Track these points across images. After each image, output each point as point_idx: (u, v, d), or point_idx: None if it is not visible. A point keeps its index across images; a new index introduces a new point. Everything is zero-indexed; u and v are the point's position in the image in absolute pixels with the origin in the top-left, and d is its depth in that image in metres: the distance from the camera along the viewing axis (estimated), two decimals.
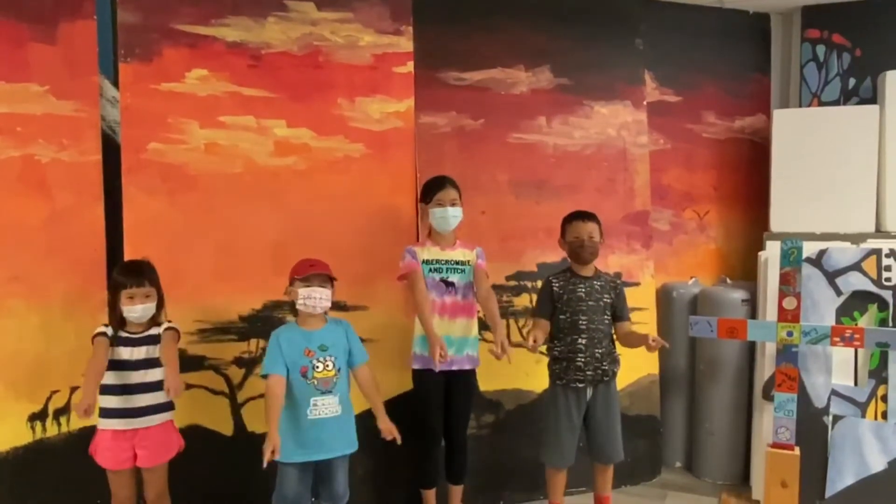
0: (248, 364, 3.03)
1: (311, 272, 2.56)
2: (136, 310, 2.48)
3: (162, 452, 2.54)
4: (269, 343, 2.59)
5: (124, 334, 2.52)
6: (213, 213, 3.02)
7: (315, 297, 2.55)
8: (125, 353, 2.50)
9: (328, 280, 2.60)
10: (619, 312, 3.00)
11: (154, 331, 2.56)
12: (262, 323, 3.03)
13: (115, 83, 2.96)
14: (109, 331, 2.51)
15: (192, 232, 2.99)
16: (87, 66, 2.88)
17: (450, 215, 2.92)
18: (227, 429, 3.01)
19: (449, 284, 2.94)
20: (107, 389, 2.49)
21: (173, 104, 2.98)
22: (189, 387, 2.92)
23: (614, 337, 3.01)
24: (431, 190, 2.96)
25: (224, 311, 3.01)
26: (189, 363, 2.93)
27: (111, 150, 2.93)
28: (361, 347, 2.71)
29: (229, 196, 3.04)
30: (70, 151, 2.84)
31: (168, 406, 2.58)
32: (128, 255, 2.84)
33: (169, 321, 2.61)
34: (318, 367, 2.55)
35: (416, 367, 2.97)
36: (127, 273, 2.54)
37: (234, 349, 3.01)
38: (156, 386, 2.52)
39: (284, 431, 2.56)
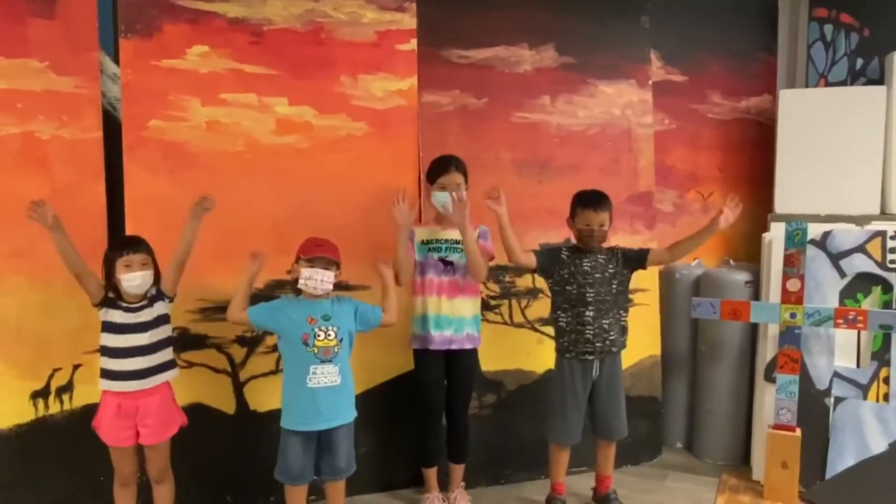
0: (251, 343, 3.03)
1: (317, 254, 2.55)
2: (135, 277, 2.46)
3: (164, 429, 2.55)
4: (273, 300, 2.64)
5: (122, 304, 2.50)
6: (215, 191, 2.96)
7: (316, 279, 2.54)
8: (120, 316, 2.48)
9: (333, 263, 2.59)
10: (640, 257, 2.98)
11: (154, 300, 2.55)
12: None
13: (116, 59, 2.93)
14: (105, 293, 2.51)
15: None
16: (87, 41, 2.85)
17: (450, 201, 2.89)
18: (229, 407, 3.02)
19: (447, 264, 2.93)
20: (105, 351, 2.49)
21: (174, 81, 2.95)
22: (191, 365, 2.93)
23: (627, 306, 3.02)
24: (436, 172, 2.93)
25: (226, 289, 2.97)
26: (191, 342, 2.94)
27: (112, 127, 2.91)
28: (373, 307, 2.74)
29: (231, 174, 3.03)
30: (70, 128, 2.83)
31: (168, 365, 2.57)
32: (129, 233, 2.83)
33: (168, 297, 2.61)
34: (319, 335, 2.55)
35: (414, 347, 2.98)
36: (119, 243, 2.53)
37: (235, 328, 2.99)
38: (153, 347, 2.51)
39: (285, 399, 2.60)
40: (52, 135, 2.81)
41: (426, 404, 3.00)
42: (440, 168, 2.93)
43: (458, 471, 3.10)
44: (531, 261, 2.93)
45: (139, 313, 2.51)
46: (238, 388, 3.03)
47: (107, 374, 2.49)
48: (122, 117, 2.90)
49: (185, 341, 2.93)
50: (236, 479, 3.02)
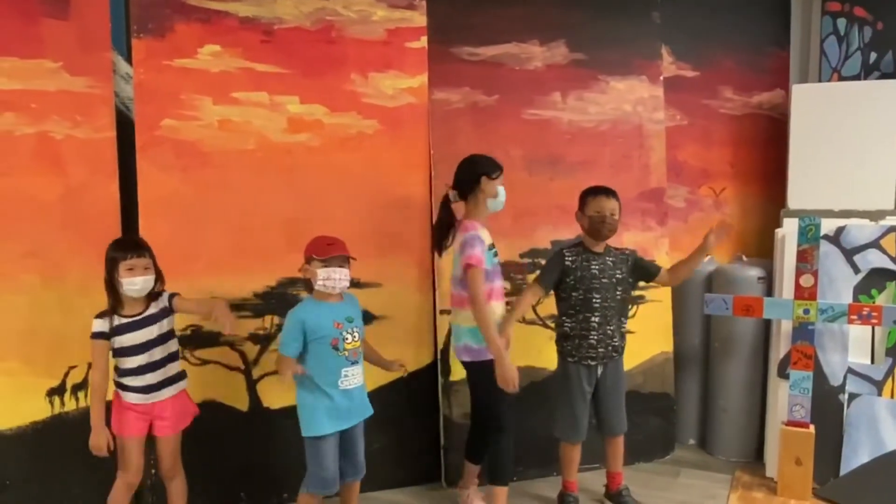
0: (263, 340, 3.05)
1: (331, 254, 2.52)
2: (137, 282, 2.43)
3: (179, 421, 2.57)
4: (288, 322, 2.53)
5: (125, 320, 2.47)
6: (227, 189, 3.02)
7: (335, 279, 2.52)
8: (128, 339, 2.47)
9: (346, 259, 2.58)
10: (650, 272, 3.02)
11: (152, 310, 2.52)
12: (276, 300, 3.04)
13: (129, 59, 2.95)
14: (107, 325, 2.46)
15: (206, 209, 2.99)
16: (100, 41, 2.87)
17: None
18: (242, 404, 3.04)
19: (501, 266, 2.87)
20: (120, 373, 2.50)
21: (186, 80, 2.97)
22: (204, 363, 2.96)
23: (628, 312, 3.00)
24: (495, 168, 2.77)
25: (239, 287, 3.02)
26: (205, 339, 2.96)
27: (125, 127, 2.93)
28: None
29: (243, 173, 3.04)
30: (84, 128, 2.85)
31: (182, 376, 2.61)
32: (143, 232, 2.85)
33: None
34: (347, 338, 2.55)
35: (481, 359, 2.74)
36: (124, 245, 2.50)
37: (248, 326, 3.03)
38: (165, 361, 2.53)
39: (317, 406, 2.53)
40: (66, 134, 2.83)
41: (504, 418, 2.79)
42: (497, 167, 2.78)
43: (474, 470, 3.07)
44: (539, 293, 2.93)
45: (145, 331, 2.49)
46: (251, 385, 3.05)
47: (122, 387, 2.52)
48: (135, 117, 2.92)
49: (198, 339, 2.96)
50: (250, 476, 3.04)
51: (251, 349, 3.04)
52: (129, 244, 2.52)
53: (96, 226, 2.84)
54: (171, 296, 2.58)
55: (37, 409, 2.79)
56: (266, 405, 3.06)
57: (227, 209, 3.02)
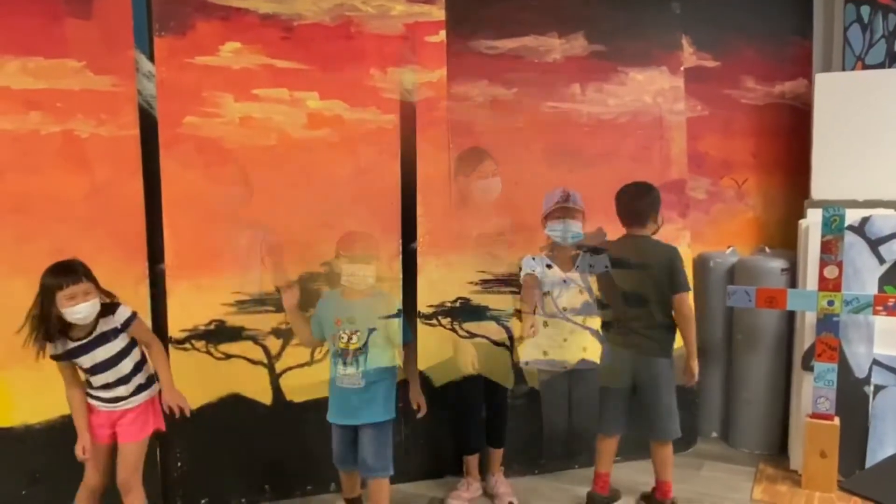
0: (286, 334, 3.06)
1: (356, 250, 2.57)
2: (80, 310, 2.29)
3: (141, 430, 2.51)
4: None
5: (73, 344, 2.38)
6: (248, 185, 3.05)
7: (358, 276, 2.56)
8: (87, 360, 2.41)
9: (373, 257, 2.59)
10: None
11: (102, 327, 2.41)
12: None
13: (151, 57, 2.97)
14: (59, 348, 2.37)
15: (228, 204, 3.01)
16: (122, 40, 2.90)
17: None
18: (265, 398, 3.07)
19: None
20: (89, 385, 2.47)
21: (208, 78, 2.99)
22: (228, 357, 2.99)
23: None
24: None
25: (260, 282, 3.04)
26: (227, 334, 2.99)
27: (148, 125, 2.96)
28: (404, 328, 2.72)
29: (264, 169, 3.06)
30: (108, 126, 2.88)
31: (147, 385, 2.52)
32: (167, 229, 2.88)
33: (116, 301, 2.47)
34: (342, 337, 2.59)
35: None
36: (58, 273, 2.30)
37: (271, 320, 3.05)
38: (128, 377, 2.47)
39: (331, 392, 2.67)
40: (91, 133, 2.86)
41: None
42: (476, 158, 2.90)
43: (497, 455, 3.15)
44: None
45: (99, 351, 2.41)
46: (274, 379, 3.08)
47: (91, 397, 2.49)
48: (158, 114, 2.95)
49: (221, 333, 2.99)
50: (273, 468, 3.07)
51: (274, 343, 3.07)
52: (62, 269, 2.32)
53: (121, 223, 2.88)
54: (131, 317, 2.47)
55: (64, 403, 2.80)
56: (289, 399, 3.08)
57: (248, 204, 3.04)
